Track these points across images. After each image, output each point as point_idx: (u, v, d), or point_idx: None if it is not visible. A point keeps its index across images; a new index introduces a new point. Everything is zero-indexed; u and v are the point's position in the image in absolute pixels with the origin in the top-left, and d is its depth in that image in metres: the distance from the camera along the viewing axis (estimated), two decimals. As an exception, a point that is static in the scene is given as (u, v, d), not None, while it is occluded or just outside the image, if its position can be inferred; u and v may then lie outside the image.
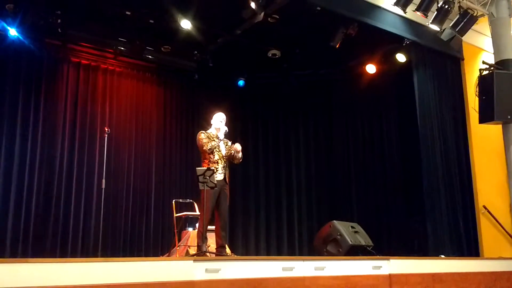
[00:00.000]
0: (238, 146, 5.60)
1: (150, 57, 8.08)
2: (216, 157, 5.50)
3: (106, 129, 6.86)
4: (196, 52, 8.29)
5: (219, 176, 5.43)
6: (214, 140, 5.54)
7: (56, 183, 7.38)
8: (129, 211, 7.96)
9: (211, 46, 8.23)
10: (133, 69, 8.48)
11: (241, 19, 7.04)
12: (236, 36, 7.76)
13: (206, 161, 5.50)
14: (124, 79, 8.39)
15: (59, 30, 7.07)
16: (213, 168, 5.34)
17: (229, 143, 5.72)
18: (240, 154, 5.64)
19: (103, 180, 6.65)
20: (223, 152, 5.57)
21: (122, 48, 7.68)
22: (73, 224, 7.40)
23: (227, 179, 5.54)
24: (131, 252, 7.73)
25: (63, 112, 7.65)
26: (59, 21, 6.95)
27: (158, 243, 8.07)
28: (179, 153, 8.76)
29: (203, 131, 5.64)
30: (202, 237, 5.32)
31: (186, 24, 7.28)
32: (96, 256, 6.78)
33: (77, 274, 3.35)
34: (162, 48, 8.11)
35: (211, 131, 5.65)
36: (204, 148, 5.46)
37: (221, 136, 5.58)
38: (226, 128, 5.61)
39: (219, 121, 5.63)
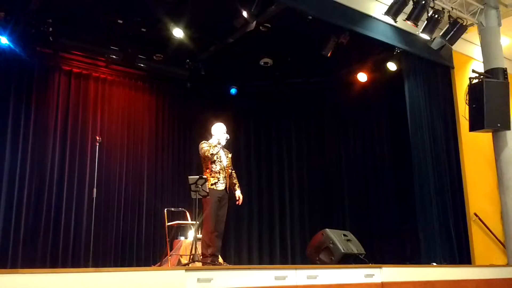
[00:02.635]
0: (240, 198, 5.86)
1: (142, 65, 8.07)
2: (218, 167, 5.60)
3: (98, 138, 6.85)
4: (188, 60, 8.31)
5: (220, 186, 5.56)
6: (216, 146, 5.64)
7: (46, 192, 7.33)
8: (121, 220, 7.91)
9: (203, 55, 8.25)
10: (125, 77, 8.48)
11: (233, 28, 7.05)
12: (228, 45, 7.78)
13: (208, 171, 5.61)
14: (116, 87, 8.37)
15: (50, 38, 7.07)
16: (205, 176, 5.44)
17: (230, 155, 5.86)
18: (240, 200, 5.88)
19: (94, 189, 6.63)
20: (224, 163, 5.68)
21: (114, 57, 7.65)
22: (64, 234, 7.34)
23: (227, 189, 5.66)
24: (123, 261, 7.67)
25: (54, 120, 7.61)
26: (50, 29, 6.95)
27: (150, 252, 8.02)
28: (170, 162, 8.74)
29: (205, 141, 5.74)
30: (198, 246, 5.39)
31: (178, 32, 7.30)
32: (87, 266, 6.74)
33: (68, 284, 3.31)
34: (154, 57, 8.12)
35: (212, 141, 5.75)
36: (207, 154, 5.54)
37: (223, 142, 5.67)
38: (227, 136, 5.73)
39: (222, 132, 5.74)
